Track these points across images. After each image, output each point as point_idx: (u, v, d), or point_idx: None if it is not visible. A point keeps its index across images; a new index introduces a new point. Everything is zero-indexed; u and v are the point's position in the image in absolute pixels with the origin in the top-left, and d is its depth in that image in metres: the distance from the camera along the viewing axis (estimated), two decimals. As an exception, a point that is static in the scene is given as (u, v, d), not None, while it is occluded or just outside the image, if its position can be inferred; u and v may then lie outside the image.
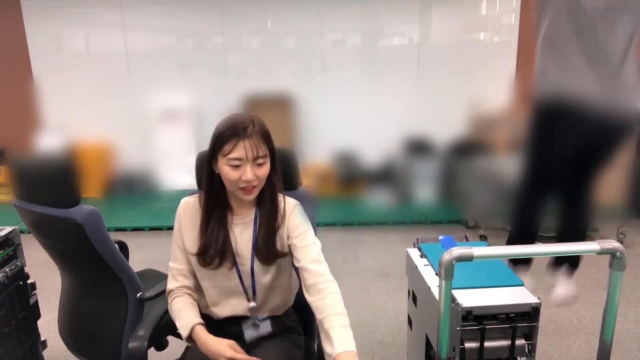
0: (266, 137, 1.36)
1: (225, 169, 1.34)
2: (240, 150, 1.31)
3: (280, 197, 1.46)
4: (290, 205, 1.46)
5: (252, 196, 1.39)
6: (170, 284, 1.50)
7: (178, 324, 1.44)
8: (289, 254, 1.46)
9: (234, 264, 1.44)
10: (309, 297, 1.38)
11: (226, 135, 1.32)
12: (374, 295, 3.06)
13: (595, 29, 2.02)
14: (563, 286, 2.44)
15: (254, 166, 1.34)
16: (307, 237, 1.43)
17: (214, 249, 1.41)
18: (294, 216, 1.45)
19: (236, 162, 1.32)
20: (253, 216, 1.45)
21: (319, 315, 1.34)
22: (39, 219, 1.62)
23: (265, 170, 1.37)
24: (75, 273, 1.77)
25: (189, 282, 1.49)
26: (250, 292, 1.48)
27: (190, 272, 1.49)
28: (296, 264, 1.43)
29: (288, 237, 1.44)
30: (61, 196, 1.55)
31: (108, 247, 1.61)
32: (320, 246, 1.44)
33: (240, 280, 1.46)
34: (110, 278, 1.66)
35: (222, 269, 1.44)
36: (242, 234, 1.45)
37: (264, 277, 1.47)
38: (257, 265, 1.45)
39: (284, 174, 1.51)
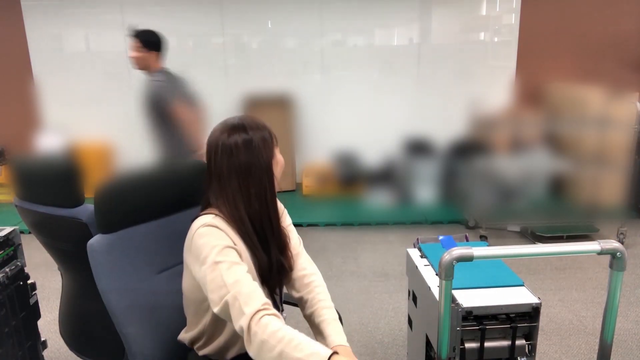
0: None
1: (280, 156, 1.36)
2: None
3: None
4: None
5: None
6: (251, 306, 1.14)
7: (299, 354, 1.07)
8: None
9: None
10: (295, 293, 1.39)
11: (268, 128, 1.33)
12: (374, 295, 3.06)
13: None
14: None
15: None
16: (292, 229, 1.45)
17: (277, 268, 1.34)
18: (280, 206, 1.44)
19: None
20: None
21: (307, 310, 1.35)
22: (42, 219, 1.62)
23: None
24: (78, 272, 1.77)
25: (267, 299, 1.18)
26: (279, 300, 1.42)
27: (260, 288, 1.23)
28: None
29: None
30: (65, 196, 1.56)
31: (112, 246, 1.61)
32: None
33: (278, 291, 1.40)
34: (112, 277, 1.66)
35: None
36: None
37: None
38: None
39: (194, 188, 1.43)
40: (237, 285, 1.15)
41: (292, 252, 1.41)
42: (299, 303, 1.41)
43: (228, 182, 1.27)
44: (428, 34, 4.90)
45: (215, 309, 1.17)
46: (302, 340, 1.08)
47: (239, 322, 1.13)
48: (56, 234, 1.65)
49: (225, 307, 1.15)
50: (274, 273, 1.33)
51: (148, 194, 1.48)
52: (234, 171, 1.26)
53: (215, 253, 1.18)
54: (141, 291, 1.42)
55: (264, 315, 1.12)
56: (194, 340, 1.39)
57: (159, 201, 1.49)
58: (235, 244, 1.24)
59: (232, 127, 1.28)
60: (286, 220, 1.47)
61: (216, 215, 1.27)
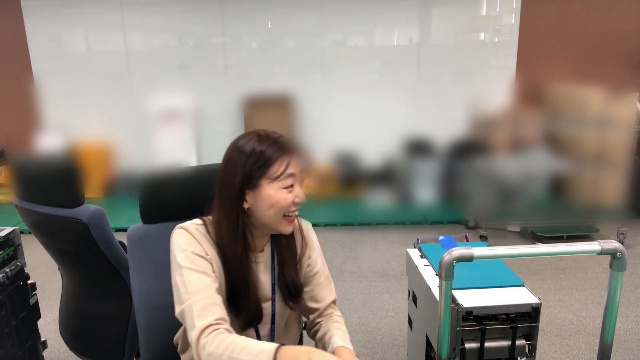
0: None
1: (278, 195, 1.13)
2: (293, 167, 1.14)
3: None
4: (306, 226, 1.31)
5: (293, 226, 1.21)
6: (204, 319, 1.07)
7: (246, 356, 1.03)
8: None
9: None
10: (310, 336, 1.33)
11: (272, 155, 1.12)
12: (374, 295, 3.06)
13: None
14: None
15: (301, 184, 1.18)
16: (326, 270, 1.30)
17: (246, 308, 1.19)
18: (311, 237, 1.31)
19: (291, 182, 1.14)
20: (270, 250, 1.26)
21: (319, 334, 1.29)
22: (42, 219, 1.62)
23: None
24: (78, 272, 1.77)
25: (225, 315, 1.11)
26: (268, 341, 1.30)
27: (222, 303, 1.14)
28: (310, 303, 1.30)
29: (307, 265, 1.30)
30: (66, 196, 1.56)
31: (112, 246, 1.61)
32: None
33: (257, 333, 1.27)
34: (113, 277, 1.66)
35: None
36: (263, 275, 1.25)
37: (283, 319, 1.32)
38: (279, 308, 1.28)
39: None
40: (196, 295, 1.09)
41: (316, 304, 1.30)
42: (311, 333, 1.34)
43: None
44: (428, 34, 4.90)
45: (176, 312, 1.12)
46: (248, 343, 1.04)
47: (190, 335, 1.07)
48: (56, 234, 1.65)
49: (183, 314, 1.10)
50: (238, 311, 1.18)
51: (192, 191, 1.48)
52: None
53: (181, 257, 1.13)
54: (165, 281, 1.44)
55: (214, 330, 1.06)
56: (177, 340, 1.37)
57: (204, 200, 1.51)
58: (207, 254, 1.15)
59: (243, 136, 1.18)
60: (320, 275, 1.30)
61: (202, 224, 1.19)
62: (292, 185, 1.15)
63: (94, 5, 4.80)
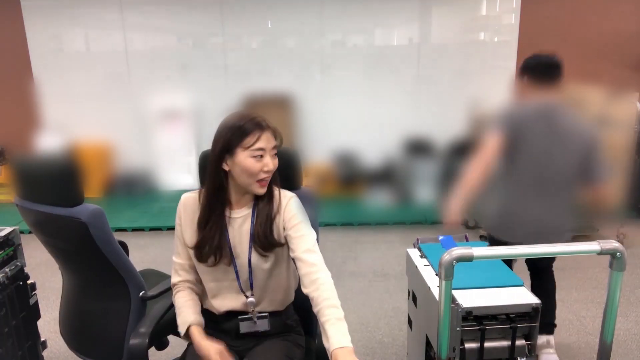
0: (276, 131, 1.46)
1: (248, 161, 1.39)
2: (264, 141, 1.39)
3: (276, 188, 1.51)
4: (286, 197, 1.50)
5: (265, 189, 1.45)
6: (174, 278, 1.57)
7: (177, 320, 1.51)
8: (286, 244, 1.48)
9: (232, 260, 1.48)
10: (304, 289, 1.40)
11: (248, 128, 1.39)
12: (374, 295, 3.06)
13: None
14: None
15: (272, 157, 1.43)
16: (302, 227, 1.46)
17: (209, 246, 1.45)
18: (289, 207, 1.49)
19: (260, 153, 1.39)
20: (251, 209, 1.49)
21: (314, 308, 1.36)
22: (42, 218, 1.62)
23: (277, 161, 1.45)
24: (78, 272, 1.77)
25: (191, 276, 1.55)
26: (247, 285, 1.50)
27: (191, 266, 1.54)
28: (291, 255, 1.46)
29: (284, 228, 1.47)
30: (65, 195, 1.55)
31: (112, 246, 1.61)
32: (316, 237, 1.48)
33: (237, 276, 1.49)
34: (113, 277, 1.66)
35: (220, 264, 1.47)
36: (241, 227, 1.48)
37: (262, 269, 1.48)
38: (255, 257, 1.47)
39: (287, 173, 1.57)
40: (175, 257, 1.56)
41: (294, 254, 1.43)
42: (310, 300, 1.41)
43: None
44: (428, 34, 4.90)
45: None
46: (182, 311, 1.50)
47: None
48: (56, 233, 1.65)
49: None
50: (206, 254, 1.47)
51: None
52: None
53: (176, 225, 1.54)
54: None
55: (176, 287, 1.55)
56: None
57: None
58: (180, 222, 1.51)
59: (230, 115, 1.44)
60: (296, 231, 1.46)
61: (198, 191, 1.50)
62: (261, 156, 1.40)
63: (94, 5, 4.80)
